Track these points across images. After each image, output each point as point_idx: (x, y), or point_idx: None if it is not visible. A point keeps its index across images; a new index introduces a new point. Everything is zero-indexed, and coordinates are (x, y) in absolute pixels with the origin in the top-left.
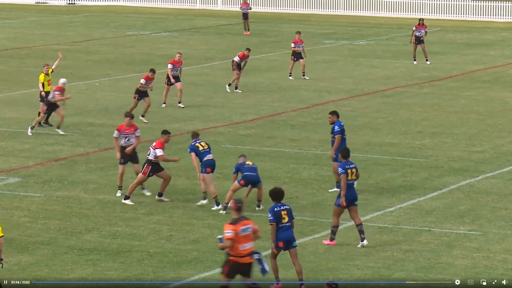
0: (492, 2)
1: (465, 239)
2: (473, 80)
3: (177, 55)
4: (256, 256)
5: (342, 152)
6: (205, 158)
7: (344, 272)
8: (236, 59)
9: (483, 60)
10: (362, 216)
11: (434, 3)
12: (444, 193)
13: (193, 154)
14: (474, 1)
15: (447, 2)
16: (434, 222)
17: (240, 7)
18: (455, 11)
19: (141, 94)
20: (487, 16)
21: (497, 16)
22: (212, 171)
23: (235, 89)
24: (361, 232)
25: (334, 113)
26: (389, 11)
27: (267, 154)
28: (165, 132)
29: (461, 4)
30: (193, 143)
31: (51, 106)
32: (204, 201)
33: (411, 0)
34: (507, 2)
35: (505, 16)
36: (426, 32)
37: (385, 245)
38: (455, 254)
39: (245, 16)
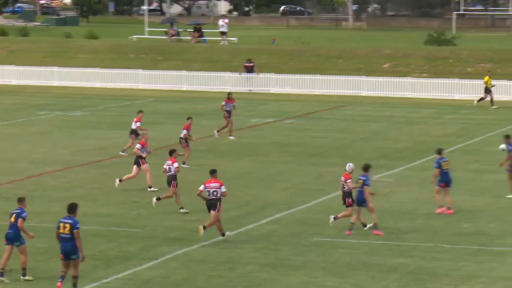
0: (207, 72)
1: None
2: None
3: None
4: None
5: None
6: None
7: None
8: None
9: (197, 130)
10: None
11: (148, 74)
12: (160, 262)
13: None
14: (188, 72)
15: (161, 72)
16: None
17: None
18: (170, 81)
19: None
20: (200, 86)
21: (213, 86)
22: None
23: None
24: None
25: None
26: (103, 81)
27: None
28: None
29: (175, 75)
30: None
31: None
32: None
33: (126, 71)
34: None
35: (220, 86)
36: (234, 105)
37: None
38: None
39: None
